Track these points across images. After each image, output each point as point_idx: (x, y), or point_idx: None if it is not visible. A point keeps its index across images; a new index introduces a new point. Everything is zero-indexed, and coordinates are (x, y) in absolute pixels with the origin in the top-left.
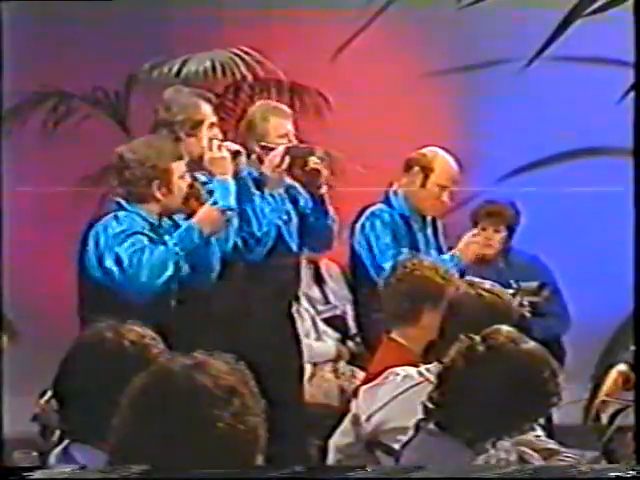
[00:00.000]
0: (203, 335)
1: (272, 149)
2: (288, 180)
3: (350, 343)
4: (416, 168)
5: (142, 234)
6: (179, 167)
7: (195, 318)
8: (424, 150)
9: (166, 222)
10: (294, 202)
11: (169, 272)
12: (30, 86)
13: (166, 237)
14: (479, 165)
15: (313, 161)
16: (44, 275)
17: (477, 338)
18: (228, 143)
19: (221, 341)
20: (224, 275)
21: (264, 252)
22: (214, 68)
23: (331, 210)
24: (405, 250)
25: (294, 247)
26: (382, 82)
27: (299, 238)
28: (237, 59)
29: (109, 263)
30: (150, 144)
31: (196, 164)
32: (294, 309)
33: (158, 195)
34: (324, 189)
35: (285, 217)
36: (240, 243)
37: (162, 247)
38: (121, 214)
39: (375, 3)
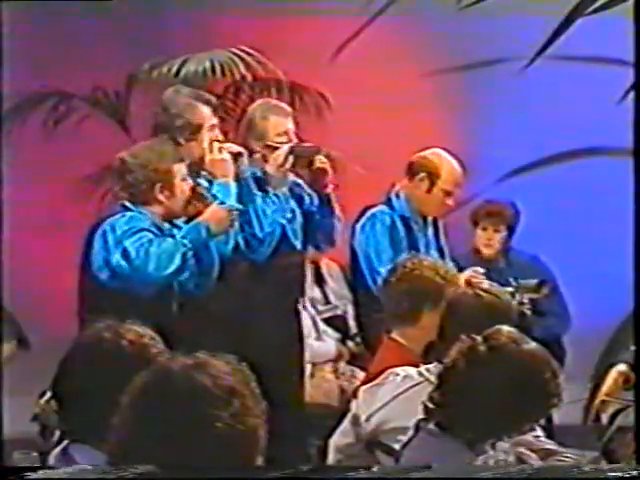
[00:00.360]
0: (206, 336)
1: (276, 148)
2: (292, 178)
3: (350, 343)
4: (422, 174)
5: (149, 231)
6: (181, 169)
7: (199, 319)
8: (427, 153)
9: (170, 227)
10: (299, 200)
11: (176, 264)
12: (30, 86)
13: (174, 231)
14: (479, 165)
15: (320, 160)
16: (44, 276)
17: (478, 338)
18: (229, 145)
19: (225, 342)
20: (228, 275)
21: (268, 252)
22: (214, 68)
23: (337, 209)
24: (403, 253)
25: (298, 246)
26: (382, 82)
27: (304, 236)
28: (237, 59)
29: (116, 258)
30: (151, 148)
31: (197, 166)
32: (300, 306)
33: (161, 198)
34: (330, 188)
35: (289, 215)
36: (242, 244)
37: (170, 239)
38: (128, 214)
39: (375, 3)
